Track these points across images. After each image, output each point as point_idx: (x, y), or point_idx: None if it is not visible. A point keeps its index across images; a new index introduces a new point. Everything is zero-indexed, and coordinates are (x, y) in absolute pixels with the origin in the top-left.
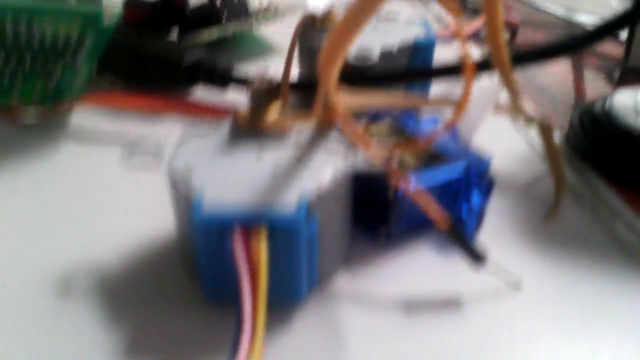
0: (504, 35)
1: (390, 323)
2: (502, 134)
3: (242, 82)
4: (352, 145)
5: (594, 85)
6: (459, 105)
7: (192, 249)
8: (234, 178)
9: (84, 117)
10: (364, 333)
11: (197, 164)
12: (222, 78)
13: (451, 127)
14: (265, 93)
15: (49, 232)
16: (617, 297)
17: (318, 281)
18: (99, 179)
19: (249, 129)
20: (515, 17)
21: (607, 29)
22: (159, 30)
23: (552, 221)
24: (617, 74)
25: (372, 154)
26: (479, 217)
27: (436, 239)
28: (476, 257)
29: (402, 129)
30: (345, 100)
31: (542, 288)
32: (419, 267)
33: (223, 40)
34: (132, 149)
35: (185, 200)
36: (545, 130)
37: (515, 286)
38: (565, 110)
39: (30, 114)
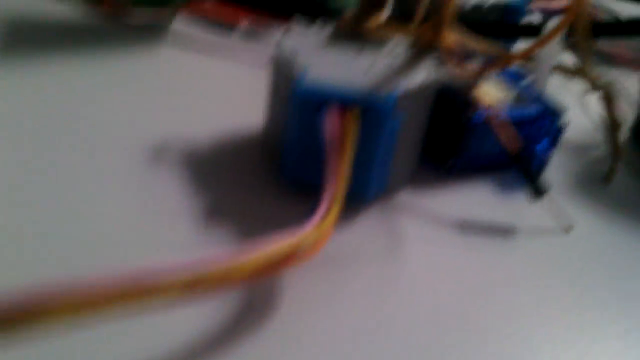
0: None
1: (446, 237)
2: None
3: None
4: (444, 61)
5: None
6: (540, 41)
7: (282, 130)
8: (334, 65)
9: (187, 24)
10: (420, 241)
11: (302, 49)
12: (315, 9)
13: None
14: (371, 1)
15: (150, 113)
16: None
17: (385, 188)
18: (199, 76)
19: (351, 32)
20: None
21: None
22: None
23: (607, 183)
24: None
25: (461, 72)
26: (543, 162)
27: (498, 179)
28: (538, 188)
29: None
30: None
31: (590, 238)
32: (479, 199)
33: None
34: (244, 32)
35: (287, 77)
36: (609, 98)
37: (568, 228)
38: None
39: (136, 15)
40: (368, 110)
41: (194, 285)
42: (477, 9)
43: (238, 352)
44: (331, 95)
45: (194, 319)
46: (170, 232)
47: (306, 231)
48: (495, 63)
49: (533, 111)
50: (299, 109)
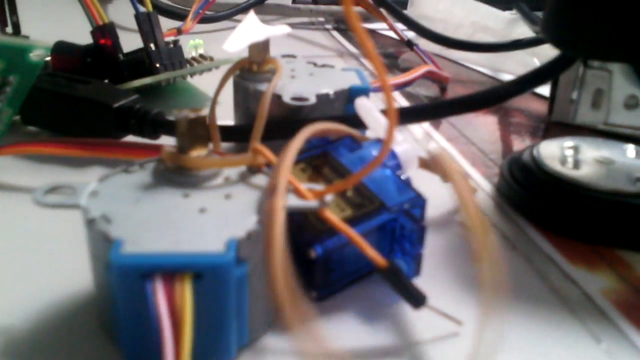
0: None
1: None
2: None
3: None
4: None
5: (521, 140)
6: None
7: (111, 305)
8: (157, 220)
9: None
10: None
11: (117, 205)
12: (153, 125)
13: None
14: (192, 131)
15: None
16: (552, 340)
17: (248, 337)
18: (9, 230)
19: (175, 168)
20: (446, 73)
21: (522, 83)
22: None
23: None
24: (542, 129)
25: (303, 195)
26: (415, 262)
27: (375, 286)
28: (415, 297)
29: (339, 161)
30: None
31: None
32: (357, 319)
33: (156, 88)
34: (48, 187)
35: (102, 246)
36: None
37: (457, 323)
38: (495, 163)
39: None
40: (203, 271)
41: None
42: (322, 98)
43: None
44: (154, 265)
45: None
46: None
47: None
48: (345, 181)
49: (388, 216)
50: (119, 285)
